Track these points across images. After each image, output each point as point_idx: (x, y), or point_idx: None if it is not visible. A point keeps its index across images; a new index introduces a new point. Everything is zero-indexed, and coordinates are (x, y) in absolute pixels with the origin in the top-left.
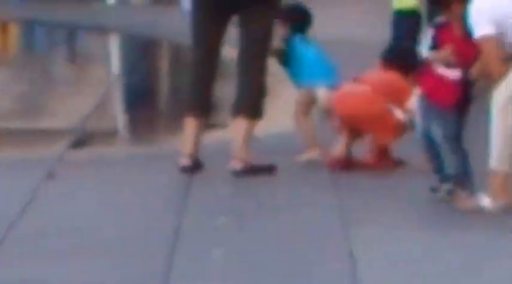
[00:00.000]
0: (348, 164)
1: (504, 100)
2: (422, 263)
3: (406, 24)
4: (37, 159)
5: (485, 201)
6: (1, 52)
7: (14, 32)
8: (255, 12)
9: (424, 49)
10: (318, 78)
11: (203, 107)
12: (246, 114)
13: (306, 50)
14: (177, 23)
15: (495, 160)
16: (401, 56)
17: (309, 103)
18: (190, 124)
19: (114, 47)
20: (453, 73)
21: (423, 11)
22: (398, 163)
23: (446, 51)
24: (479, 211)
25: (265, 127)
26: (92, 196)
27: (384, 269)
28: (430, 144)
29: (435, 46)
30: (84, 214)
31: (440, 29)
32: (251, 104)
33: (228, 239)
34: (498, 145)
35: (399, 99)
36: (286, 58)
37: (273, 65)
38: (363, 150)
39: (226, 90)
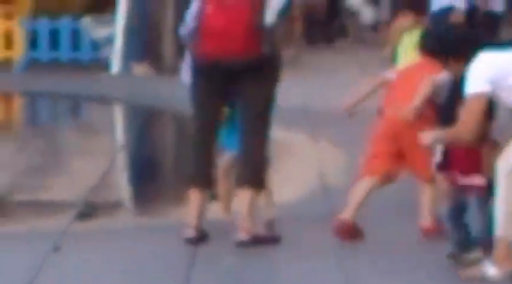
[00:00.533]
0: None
1: (509, 167)
2: None
3: None
4: (42, 232)
5: (491, 269)
6: (4, 124)
7: (17, 103)
8: (254, 84)
9: None
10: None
11: (206, 178)
12: (250, 185)
13: None
14: (181, 93)
15: (500, 227)
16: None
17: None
18: (194, 196)
19: (118, 117)
20: None
21: None
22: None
23: None
24: (484, 279)
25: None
26: (98, 268)
27: None
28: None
29: None
30: None
31: None
32: (254, 175)
33: None
34: (503, 212)
35: None
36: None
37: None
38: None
39: None
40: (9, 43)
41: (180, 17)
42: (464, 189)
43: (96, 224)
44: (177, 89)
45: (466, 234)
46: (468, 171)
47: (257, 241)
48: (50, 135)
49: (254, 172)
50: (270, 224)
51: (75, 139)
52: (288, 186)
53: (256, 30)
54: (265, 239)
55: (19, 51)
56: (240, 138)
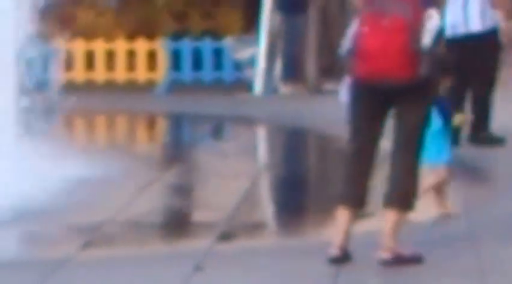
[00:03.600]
0: None
1: None
2: None
3: None
4: (184, 252)
5: None
6: (147, 145)
7: (160, 125)
8: (412, 104)
9: None
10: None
11: (358, 199)
12: (397, 206)
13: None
14: (326, 111)
15: None
16: None
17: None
18: (342, 216)
19: (260, 137)
20: None
21: None
22: None
23: None
24: None
25: (413, 216)
26: None
27: None
28: None
29: None
30: None
31: None
32: (403, 196)
33: None
34: None
35: None
36: None
37: None
38: None
39: (377, 179)
40: (152, 64)
41: (324, 36)
42: None
43: (238, 245)
44: (320, 109)
45: None
46: None
47: (400, 260)
48: (192, 156)
49: (403, 193)
50: None
51: (218, 160)
52: (428, 204)
53: (413, 52)
54: (408, 259)
55: (162, 73)
56: (391, 157)
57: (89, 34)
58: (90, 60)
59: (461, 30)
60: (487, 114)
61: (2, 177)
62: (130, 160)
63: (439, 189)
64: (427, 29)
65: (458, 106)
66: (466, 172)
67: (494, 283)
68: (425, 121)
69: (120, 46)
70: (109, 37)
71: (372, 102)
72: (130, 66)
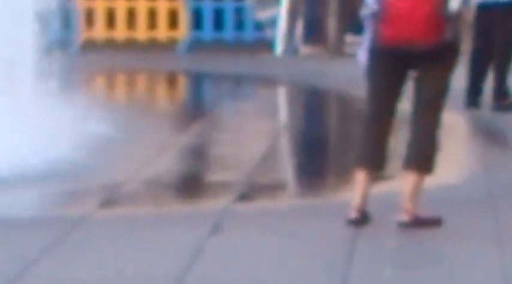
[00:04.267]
0: None
1: None
2: None
3: None
4: (203, 213)
5: None
6: (166, 104)
7: (181, 83)
8: (433, 67)
9: None
10: None
11: (377, 161)
12: (417, 168)
13: None
14: (346, 73)
15: None
16: None
17: None
18: (361, 177)
19: (281, 97)
20: None
21: None
22: None
23: None
24: None
25: (432, 179)
26: (258, 249)
27: None
28: None
29: None
30: (251, 267)
31: None
32: (423, 158)
33: None
34: None
35: None
36: None
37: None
38: None
39: (396, 142)
40: (173, 23)
41: None
42: None
43: (256, 205)
44: (341, 70)
45: None
46: None
47: (418, 222)
48: (212, 115)
49: (424, 156)
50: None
51: (237, 120)
52: (449, 166)
53: (440, 16)
54: (426, 221)
55: (183, 31)
56: (412, 121)
57: None
58: (111, 18)
59: None
60: (507, 82)
61: (22, 135)
62: (150, 118)
63: None
64: None
65: (481, 73)
66: (487, 134)
67: None
68: (447, 85)
69: (141, 4)
70: None
71: (394, 66)
72: (152, 24)
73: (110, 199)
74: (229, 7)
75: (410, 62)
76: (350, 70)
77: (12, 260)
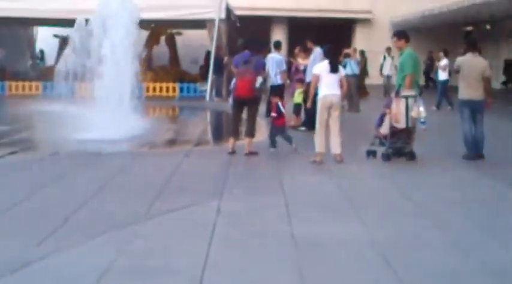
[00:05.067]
0: None
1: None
2: None
3: None
4: (181, 150)
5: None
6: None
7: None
8: (252, 106)
9: None
10: None
11: (236, 134)
12: (248, 136)
13: None
14: (226, 106)
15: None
16: None
17: None
18: (231, 140)
19: (207, 113)
20: None
21: None
22: None
23: None
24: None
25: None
26: (205, 162)
27: None
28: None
29: None
30: (205, 172)
31: None
32: (249, 133)
33: None
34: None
35: None
36: None
37: None
38: None
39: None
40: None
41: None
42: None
43: (201, 148)
44: (225, 105)
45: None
46: None
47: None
48: (184, 118)
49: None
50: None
51: (193, 120)
52: None
53: (253, 87)
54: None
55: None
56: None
57: None
58: None
59: None
60: None
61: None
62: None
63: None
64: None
65: None
66: None
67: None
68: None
69: None
70: None
71: (239, 105)
72: None
73: (150, 145)
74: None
75: (244, 103)
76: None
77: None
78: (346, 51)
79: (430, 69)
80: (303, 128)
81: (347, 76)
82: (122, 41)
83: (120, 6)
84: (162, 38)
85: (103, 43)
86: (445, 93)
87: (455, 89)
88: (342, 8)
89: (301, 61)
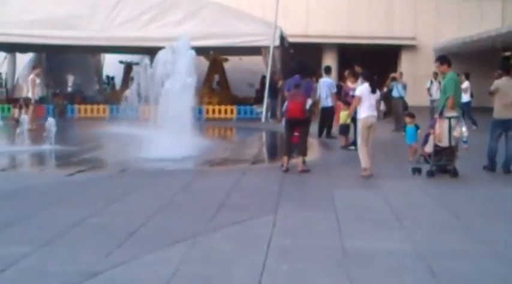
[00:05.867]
0: None
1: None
2: None
3: None
4: (238, 168)
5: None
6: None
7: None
8: (304, 125)
9: None
10: None
11: (289, 153)
12: (302, 154)
13: None
14: (279, 126)
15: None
16: None
17: None
18: (285, 158)
19: (262, 133)
20: None
21: None
22: None
23: None
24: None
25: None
26: (261, 179)
27: None
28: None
29: None
30: (261, 188)
31: None
32: (302, 151)
33: None
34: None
35: None
36: None
37: None
38: None
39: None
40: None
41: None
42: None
43: (258, 166)
44: (278, 126)
45: None
46: None
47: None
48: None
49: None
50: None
51: (251, 140)
52: None
53: (304, 108)
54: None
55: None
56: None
57: None
58: None
59: None
60: None
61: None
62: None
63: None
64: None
65: None
66: None
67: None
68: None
69: None
70: None
71: (291, 125)
72: None
73: (210, 163)
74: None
75: (295, 124)
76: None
77: (176, 186)
78: (393, 75)
79: None
80: (353, 147)
81: (394, 98)
82: (184, 67)
83: (183, 41)
84: (224, 65)
85: (167, 69)
86: (468, 113)
87: (481, 110)
88: (388, 35)
89: (350, 85)
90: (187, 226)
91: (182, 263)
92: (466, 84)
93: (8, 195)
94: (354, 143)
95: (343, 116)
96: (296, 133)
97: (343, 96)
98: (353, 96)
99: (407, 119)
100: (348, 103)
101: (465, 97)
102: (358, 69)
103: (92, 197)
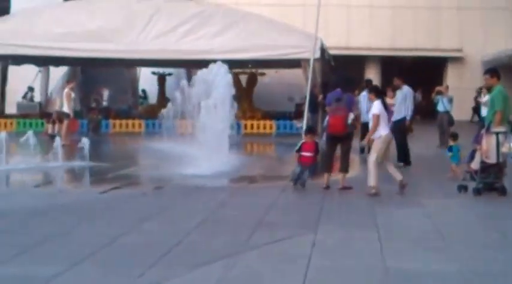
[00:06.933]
0: None
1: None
2: None
3: None
4: (277, 184)
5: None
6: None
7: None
8: (345, 141)
9: None
10: None
11: (329, 169)
12: (343, 170)
13: None
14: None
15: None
16: None
17: None
18: (326, 175)
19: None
20: None
21: None
22: None
23: None
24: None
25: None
26: (306, 198)
27: None
28: None
29: None
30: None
31: None
32: (344, 167)
33: None
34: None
35: None
36: None
37: None
38: None
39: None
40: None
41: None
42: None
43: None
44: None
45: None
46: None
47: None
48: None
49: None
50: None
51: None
52: None
53: (346, 123)
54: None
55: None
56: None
57: None
58: None
59: None
60: None
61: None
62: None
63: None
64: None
65: None
66: None
67: None
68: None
69: None
70: None
71: (332, 141)
72: None
73: (249, 180)
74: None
75: (337, 140)
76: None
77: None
78: (438, 88)
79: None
80: (401, 163)
81: (439, 112)
82: (221, 82)
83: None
84: (260, 79)
85: (204, 84)
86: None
87: None
88: (433, 46)
89: (389, 100)
90: (223, 245)
91: None
92: (486, 98)
93: (41, 212)
94: (401, 159)
95: None
96: (307, 153)
97: None
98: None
99: (451, 141)
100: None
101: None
102: (398, 82)
103: (125, 215)
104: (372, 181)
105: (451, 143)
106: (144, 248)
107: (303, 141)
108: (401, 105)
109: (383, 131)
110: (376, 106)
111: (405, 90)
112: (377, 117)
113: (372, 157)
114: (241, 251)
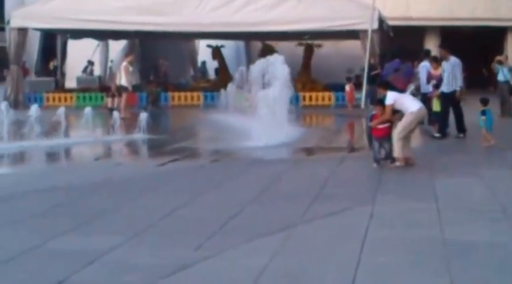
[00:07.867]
0: None
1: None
2: None
3: None
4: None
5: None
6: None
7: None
8: None
9: None
10: None
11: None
12: None
13: None
14: None
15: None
16: None
17: None
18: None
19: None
20: None
21: None
22: None
23: None
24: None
25: None
26: (332, 169)
27: None
28: None
29: None
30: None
31: None
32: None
33: None
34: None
35: None
36: None
37: None
38: None
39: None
40: None
41: None
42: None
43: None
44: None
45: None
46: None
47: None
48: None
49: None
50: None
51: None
52: None
53: None
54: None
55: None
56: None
57: None
58: None
59: None
60: None
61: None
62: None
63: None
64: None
65: None
66: None
67: None
68: None
69: None
70: None
71: None
72: None
73: (307, 151)
74: None
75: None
76: None
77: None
78: (498, 58)
79: None
80: (461, 135)
81: (499, 82)
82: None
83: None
84: (319, 50)
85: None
86: None
87: None
88: (493, 16)
89: (432, 72)
90: (280, 217)
91: (274, 256)
92: None
93: (100, 185)
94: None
95: (436, 104)
96: (381, 126)
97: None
98: (434, 86)
99: (482, 106)
100: (435, 88)
101: None
102: (444, 53)
103: (183, 188)
104: (396, 152)
105: (483, 107)
106: (201, 220)
107: (373, 112)
108: (449, 77)
109: (415, 107)
110: (390, 98)
111: (452, 61)
112: (390, 108)
113: (398, 129)
114: (297, 224)
